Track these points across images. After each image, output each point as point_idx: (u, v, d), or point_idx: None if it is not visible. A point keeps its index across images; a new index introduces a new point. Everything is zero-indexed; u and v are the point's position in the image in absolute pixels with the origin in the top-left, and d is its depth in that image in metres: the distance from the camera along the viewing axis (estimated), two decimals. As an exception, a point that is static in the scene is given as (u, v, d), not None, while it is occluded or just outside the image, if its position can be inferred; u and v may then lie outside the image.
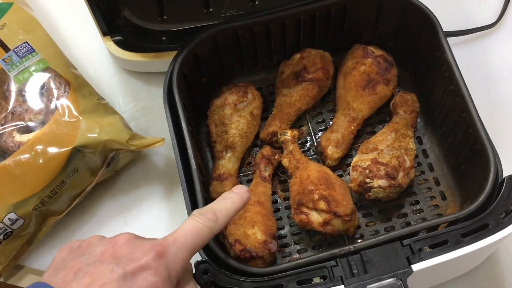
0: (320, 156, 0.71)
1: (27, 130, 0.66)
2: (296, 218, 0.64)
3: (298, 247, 0.66)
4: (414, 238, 0.54)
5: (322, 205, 0.62)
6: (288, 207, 0.69)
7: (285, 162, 0.68)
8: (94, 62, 0.82)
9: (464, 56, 0.72)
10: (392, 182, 0.64)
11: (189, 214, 0.59)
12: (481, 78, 0.78)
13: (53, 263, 0.47)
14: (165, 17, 0.73)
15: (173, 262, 0.45)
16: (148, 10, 0.72)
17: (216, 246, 0.56)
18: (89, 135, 0.66)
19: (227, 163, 0.69)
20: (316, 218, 0.63)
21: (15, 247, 0.67)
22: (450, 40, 0.68)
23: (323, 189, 0.63)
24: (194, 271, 0.53)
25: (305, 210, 0.63)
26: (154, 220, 0.72)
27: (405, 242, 0.54)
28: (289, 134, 0.69)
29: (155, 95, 0.79)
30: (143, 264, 0.44)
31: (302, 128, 0.74)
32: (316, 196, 0.63)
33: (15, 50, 0.70)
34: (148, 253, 0.44)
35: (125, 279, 0.43)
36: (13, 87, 0.68)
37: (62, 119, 0.67)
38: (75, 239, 0.48)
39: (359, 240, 0.65)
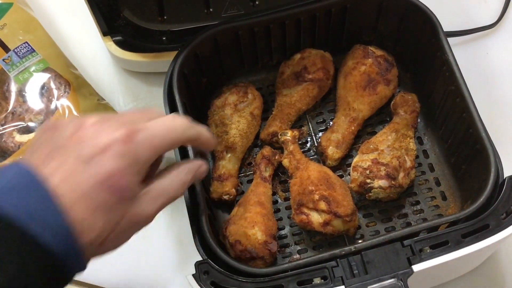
0: (320, 157, 0.71)
1: (27, 130, 0.66)
2: (297, 219, 0.64)
3: (298, 248, 0.66)
4: (415, 238, 0.54)
5: (323, 205, 0.62)
6: (288, 207, 0.69)
7: (285, 162, 0.68)
8: (94, 62, 0.82)
9: (465, 57, 0.72)
10: (393, 182, 0.64)
11: (189, 214, 0.59)
12: (482, 78, 0.77)
13: (32, 141, 0.46)
14: (165, 17, 0.72)
15: (142, 147, 0.43)
16: (148, 10, 0.72)
17: (217, 246, 0.56)
18: (89, 135, 0.66)
19: (228, 164, 0.69)
20: (316, 218, 0.63)
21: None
22: (451, 40, 0.68)
23: (323, 189, 0.63)
24: (194, 271, 0.53)
25: (306, 210, 0.63)
26: (154, 220, 0.71)
27: (406, 242, 0.54)
28: (289, 135, 0.69)
29: (155, 95, 0.79)
30: (107, 147, 0.42)
31: (303, 128, 0.74)
32: (317, 197, 0.63)
33: (15, 50, 0.70)
34: (114, 133, 0.42)
35: (86, 163, 0.41)
36: (13, 88, 0.68)
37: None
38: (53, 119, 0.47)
39: (360, 241, 0.65)
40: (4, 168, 0.41)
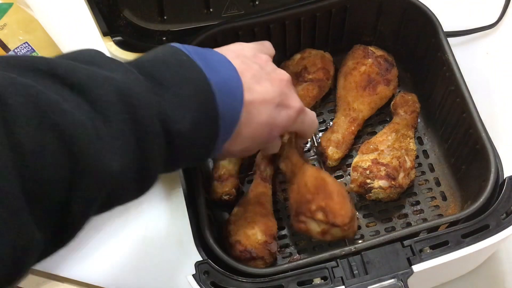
0: (320, 157, 0.71)
1: (27, 130, 0.66)
2: (295, 227, 0.63)
3: (298, 248, 0.66)
4: (415, 238, 0.54)
5: (320, 216, 0.61)
6: (288, 208, 0.68)
7: (282, 166, 0.66)
8: (94, 62, 0.82)
9: (465, 57, 0.72)
10: (393, 182, 0.64)
11: (189, 214, 0.59)
12: (482, 78, 0.77)
13: (233, 50, 0.55)
14: (165, 17, 0.72)
15: (297, 124, 0.57)
16: (148, 10, 0.72)
17: (216, 246, 0.56)
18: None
19: (228, 164, 0.69)
20: (314, 227, 0.62)
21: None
22: (451, 40, 0.68)
23: (320, 198, 0.61)
24: (194, 271, 0.53)
25: (304, 219, 0.62)
26: (154, 220, 0.72)
27: (406, 242, 0.54)
28: (285, 138, 0.68)
29: (155, 95, 0.79)
30: (292, 106, 0.55)
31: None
32: (314, 207, 0.61)
33: (15, 50, 0.70)
34: (298, 103, 0.56)
35: (278, 107, 0.54)
36: (13, 88, 0.68)
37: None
38: (238, 45, 0.57)
39: (360, 241, 0.65)
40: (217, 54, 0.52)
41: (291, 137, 0.67)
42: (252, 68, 0.53)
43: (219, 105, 0.48)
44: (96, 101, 0.40)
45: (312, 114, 0.60)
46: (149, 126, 0.43)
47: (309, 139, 0.73)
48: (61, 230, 0.40)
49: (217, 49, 0.54)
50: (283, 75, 0.56)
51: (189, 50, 0.49)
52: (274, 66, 0.57)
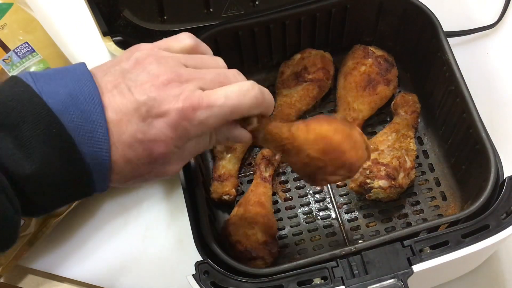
0: (320, 157, 0.71)
1: (27, 130, 0.66)
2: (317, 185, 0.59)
3: (298, 248, 0.66)
4: (415, 238, 0.54)
5: (341, 173, 0.52)
6: (288, 208, 0.69)
7: (268, 146, 0.53)
8: (94, 62, 0.81)
9: (465, 57, 0.72)
10: (393, 182, 0.64)
11: (189, 214, 0.59)
12: (482, 78, 0.77)
13: (107, 63, 0.47)
14: (165, 17, 0.72)
15: (196, 127, 0.45)
16: (148, 10, 0.72)
17: (216, 246, 0.56)
18: (89, 135, 0.66)
19: (228, 164, 0.69)
20: (336, 179, 0.54)
21: (16, 248, 0.67)
22: (451, 40, 0.68)
23: (333, 160, 0.51)
24: (194, 271, 0.53)
25: (323, 180, 0.54)
26: (154, 220, 0.72)
27: (406, 242, 0.54)
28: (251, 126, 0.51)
29: (155, 95, 0.79)
30: (166, 112, 0.43)
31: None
32: (330, 169, 0.51)
33: (15, 50, 0.70)
34: (178, 101, 0.44)
35: (144, 120, 0.43)
36: (13, 88, 0.68)
37: (62, 119, 0.67)
38: (135, 47, 0.48)
39: (360, 241, 0.65)
40: (73, 67, 0.45)
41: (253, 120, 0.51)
42: (117, 79, 0.45)
43: (72, 131, 0.41)
44: None
45: (229, 94, 0.45)
46: None
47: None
48: None
49: (102, 64, 0.48)
50: (156, 76, 0.44)
51: (37, 77, 0.43)
52: (153, 66, 0.45)
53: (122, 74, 0.45)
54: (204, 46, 0.51)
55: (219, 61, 0.50)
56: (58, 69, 0.45)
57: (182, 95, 0.44)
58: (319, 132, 0.50)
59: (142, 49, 0.47)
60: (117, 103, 0.43)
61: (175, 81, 0.44)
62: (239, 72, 0.49)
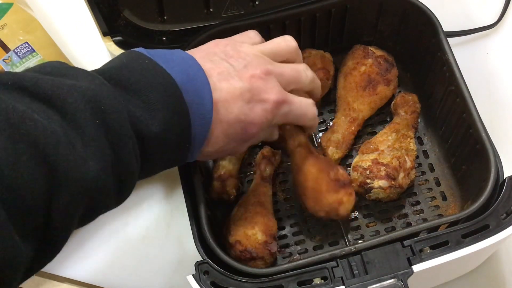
0: (320, 157, 0.71)
1: (27, 130, 0.66)
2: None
3: (298, 248, 0.66)
4: (415, 238, 0.54)
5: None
6: (288, 208, 0.69)
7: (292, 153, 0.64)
8: (94, 62, 0.81)
9: (465, 57, 0.72)
10: (393, 182, 0.64)
11: (189, 214, 0.59)
12: (482, 78, 0.77)
13: (204, 49, 0.55)
14: (165, 17, 0.72)
15: (281, 116, 0.55)
16: (148, 10, 0.72)
17: (216, 246, 0.56)
18: (89, 135, 0.66)
19: (228, 164, 0.69)
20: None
21: (15, 248, 0.67)
22: (451, 40, 0.68)
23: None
24: (194, 271, 0.53)
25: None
26: (154, 220, 0.72)
27: (406, 242, 0.54)
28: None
29: (155, 95, 0.79)
30: (267, 99, 0.53)
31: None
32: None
33: (15, 50, 0.70)
34: (277, 94, 0.53)
35: (250, 103, 0.52)
36: (13, 88, 0.68)
37: (62, 119, 0.67)
38: (218, 41, 0.57)
39: (360, 241, 0.65)
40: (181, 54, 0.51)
41: (289, 128, 0.63)
42: (220, 66, 0.52)
43: (188, 103, 0.48)
44: (65, 110, 0.40)
45: (303, 104, 0.57)
46: (121, 129, 0.43)
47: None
48: (45, 244, 0.40)
49: (189, 50, 0.54)
50: (255, 69, 0.53)
51: (152, 53, 0.49)
52: (249, 59, 0.54)
53: (223, 63, 0.52)
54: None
55: (290, 42, 0.60)
56: (162, 50, 0.50)
57: (275, 88, 0.53)
58: (305, 173, 0.62)
59: (231, 43, 0.56)
60: (223, 87, 0.51)
61: (268, 75, 0.54)
62: (307, 67, 0.59)
